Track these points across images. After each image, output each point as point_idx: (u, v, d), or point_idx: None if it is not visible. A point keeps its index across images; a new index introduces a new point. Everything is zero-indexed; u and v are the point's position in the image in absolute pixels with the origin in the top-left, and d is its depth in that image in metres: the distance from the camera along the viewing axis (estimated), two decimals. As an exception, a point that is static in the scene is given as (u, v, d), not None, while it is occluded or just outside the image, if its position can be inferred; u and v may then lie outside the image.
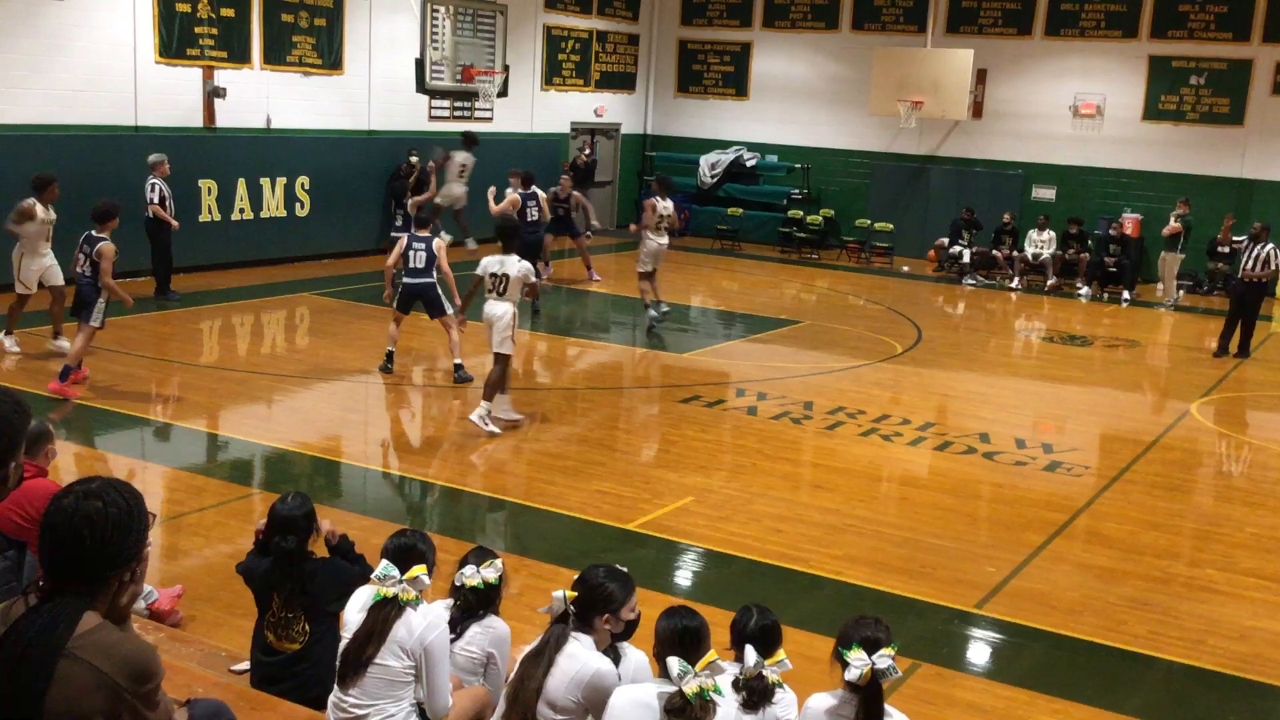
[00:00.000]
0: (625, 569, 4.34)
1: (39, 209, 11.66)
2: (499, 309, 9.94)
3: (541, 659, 4.03)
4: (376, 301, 15.73)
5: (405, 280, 11.83)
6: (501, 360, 10.07)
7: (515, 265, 9.90)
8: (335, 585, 4.70)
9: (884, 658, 3.73)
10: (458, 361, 11.75)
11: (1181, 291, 19.86)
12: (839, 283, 20.19)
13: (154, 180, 14.57)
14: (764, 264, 22.12)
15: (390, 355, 11.93)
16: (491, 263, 9.99)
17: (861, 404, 11.83)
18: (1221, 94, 21.08)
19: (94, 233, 10.67)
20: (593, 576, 4.19)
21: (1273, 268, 15.50)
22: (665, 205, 14.84)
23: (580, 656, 4.03)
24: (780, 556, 7.72)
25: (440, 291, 11.87)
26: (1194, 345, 17.11)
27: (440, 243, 12.03)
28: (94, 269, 10.53)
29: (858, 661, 3.72)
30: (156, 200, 14.52)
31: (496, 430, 10.00)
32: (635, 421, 10.90)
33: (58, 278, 11.82)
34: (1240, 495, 9.74)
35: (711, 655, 3.81)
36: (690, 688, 3.65)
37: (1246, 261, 15.60)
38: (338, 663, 4.33)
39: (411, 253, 11.72)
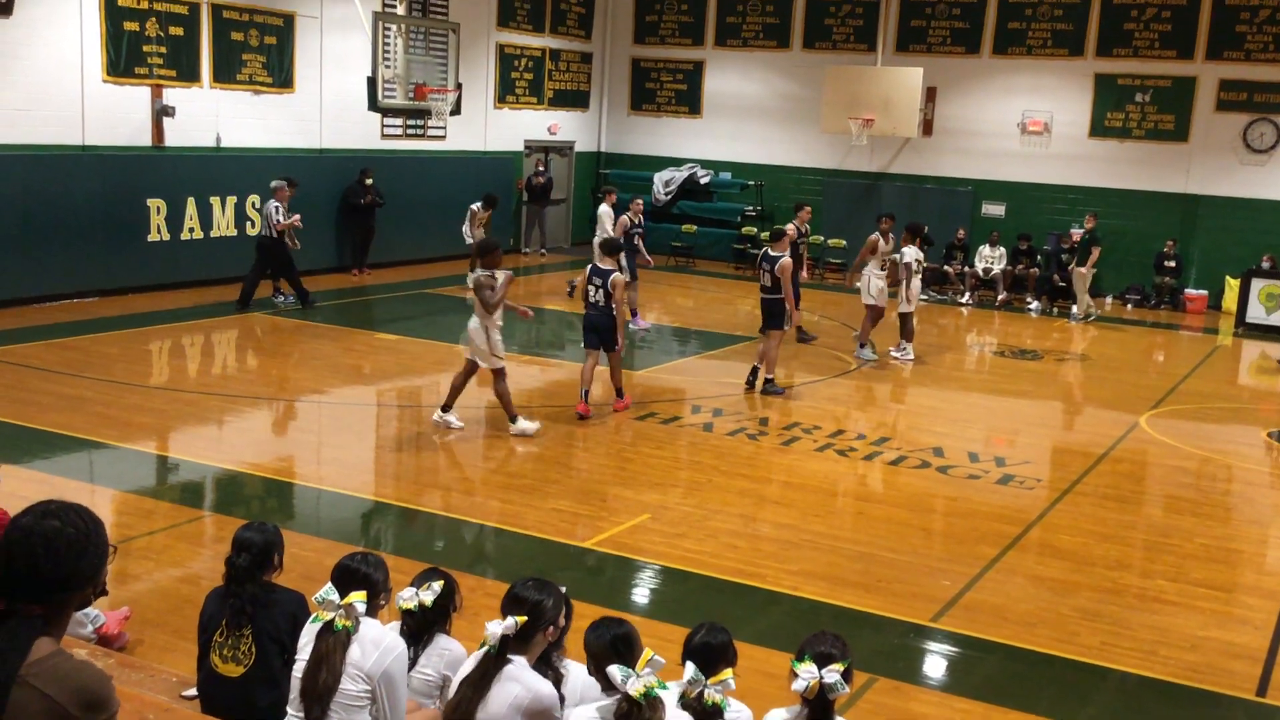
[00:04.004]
0: (548, 580, 4.29)
1: (500, 276, 10.62)
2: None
3: (480, 684, 3.98)
4: (329, 320, 15.65)
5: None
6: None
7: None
8: (289, 619, 4.62)
9: (832, 673, 3.76)
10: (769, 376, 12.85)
11: (1092, 308, 19.98)
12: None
13: (275, 203, 15.74)
14: (718, 280, 22.20)
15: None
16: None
17: (816, 419, 11.88)
18: (1166, 111, 21.44)
19: (598, 264, 11.44)
20: (529, 594, 4.13)
21: None
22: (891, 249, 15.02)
23: (522, 680, 3.98)
24: (737, 572, 7.72)
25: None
26: (1143, 358, 17.36)
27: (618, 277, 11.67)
28: (607, 299, 11.24)
29: (805, 673, 3.76)
30: (280, 219, 15.72)
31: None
32: (591, 439, 10.87)
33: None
34: (1189, 506, 9.86)
35: (648, 654, 3.81)
36: (635, 689, 3.64)
37: None
38: (300, 694, 4.26)
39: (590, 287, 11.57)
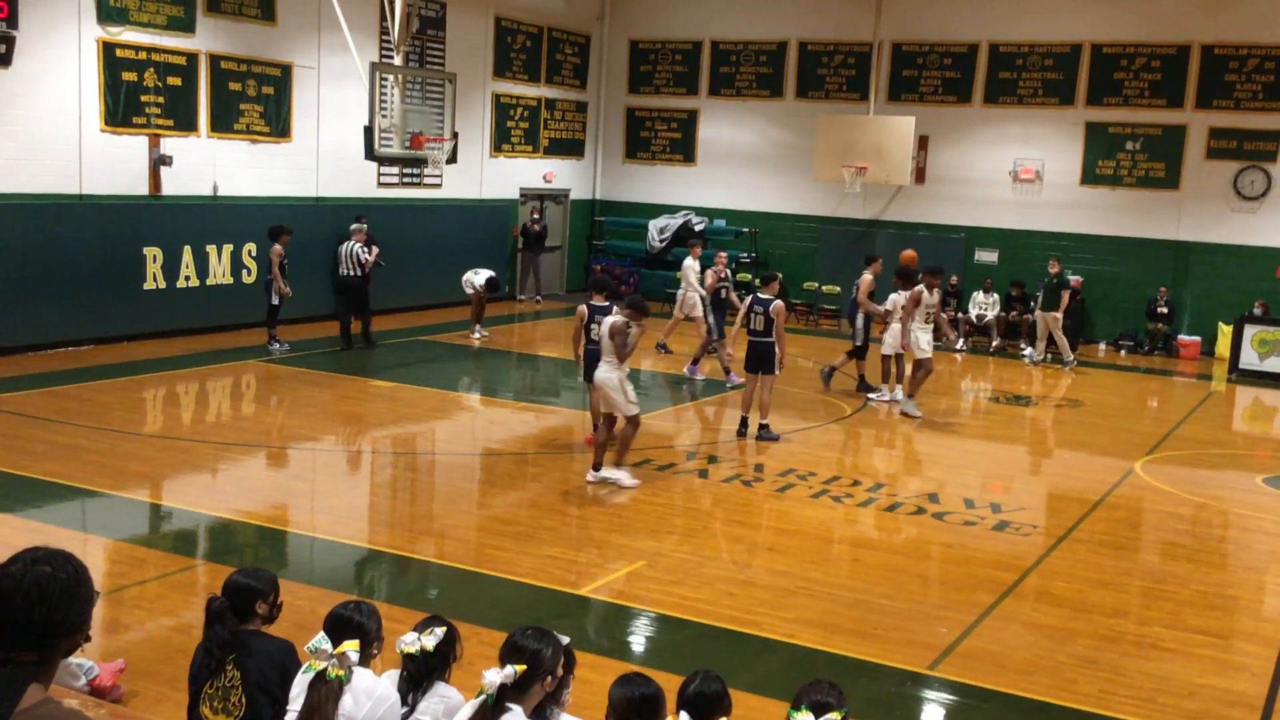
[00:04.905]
0: (547, 629, 4.27)
1: (634, 330, 10.68)
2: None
3: None
4: (323, 368, 15.65)
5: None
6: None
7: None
8: (278, 668, 4.59)
9: None
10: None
11: (1045, 354, 19.92)
12: (788, 345, 20.28)
13: (355, 245, 16.88)
14: (713, 328, 22.21)
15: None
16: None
17: (812, 466, 11.87)
18: (1157, 159, 21.62)
19: (594, 303, 11.69)
20: (528, 643, 4.08)
21: None
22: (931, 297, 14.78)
23: None
24: (732, 620, 7.68)
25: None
26: (1138, 404, 17.39)
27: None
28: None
29: None
30: (368, 257, 16.94)
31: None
32: (585, 485, 10.85)
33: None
34: (1185, 552, 9.85)
35: None
36: None
37: None
38: None
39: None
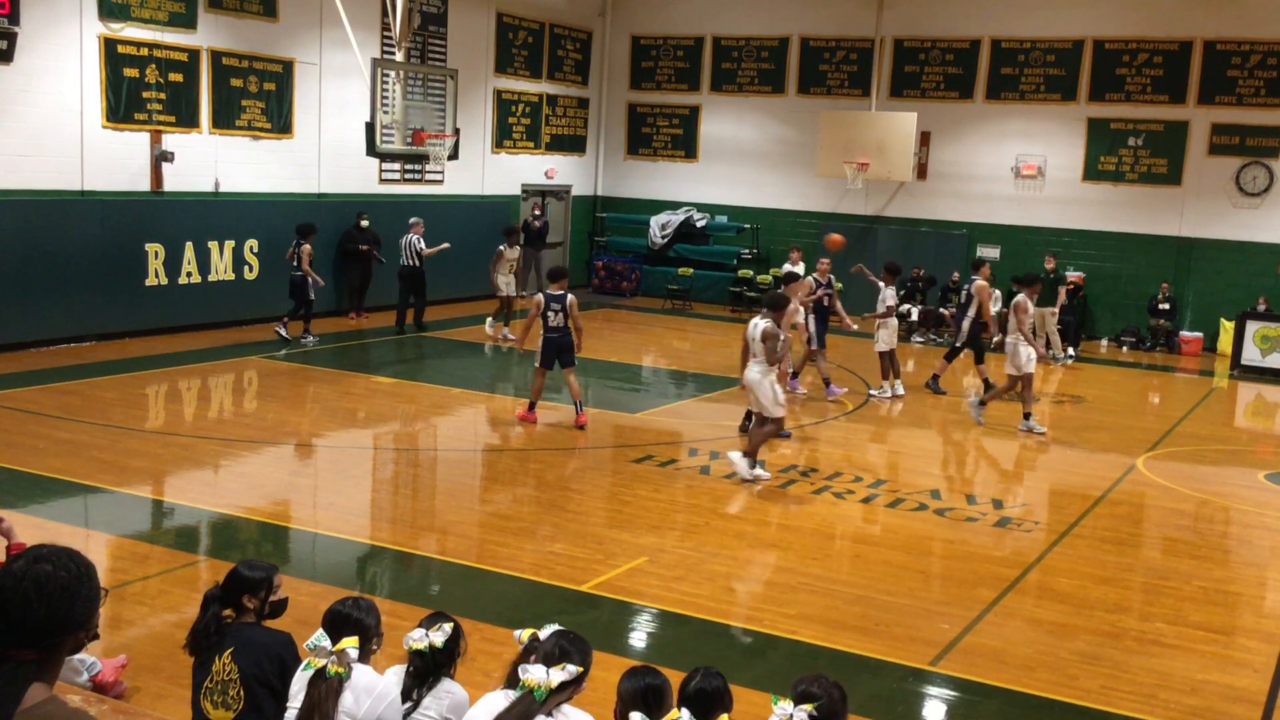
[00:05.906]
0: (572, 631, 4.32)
1: (782, 335, 11.02)
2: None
3: None
4: (326, 364, 15.66)
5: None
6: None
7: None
8: (276, 661, 4.59)
9: (801, 711, 3.80)
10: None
11: (1057, 350, 19.87)
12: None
13: (413, 237, 18.34)
14: (715, 323, 22.24)
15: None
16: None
17: (813, 462, 11.87)
18: (1159, 155, 21.60)
19: (550, 291, 12.61)
20: (574, 649, 4.15)
21: None
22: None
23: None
24: (734, 616, 7.69)
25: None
26: (1139, 400, 17.38)
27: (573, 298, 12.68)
28: (565, 319, 12.46)
29: (780, 711, 3.82)
30: (423, 248, 18.33)
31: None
32: (588, 482, 10.86)
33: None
34: (1187, 549, 9.84)
35: (675, 714, 3.83)
36: None
37: None
38: None
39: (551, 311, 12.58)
